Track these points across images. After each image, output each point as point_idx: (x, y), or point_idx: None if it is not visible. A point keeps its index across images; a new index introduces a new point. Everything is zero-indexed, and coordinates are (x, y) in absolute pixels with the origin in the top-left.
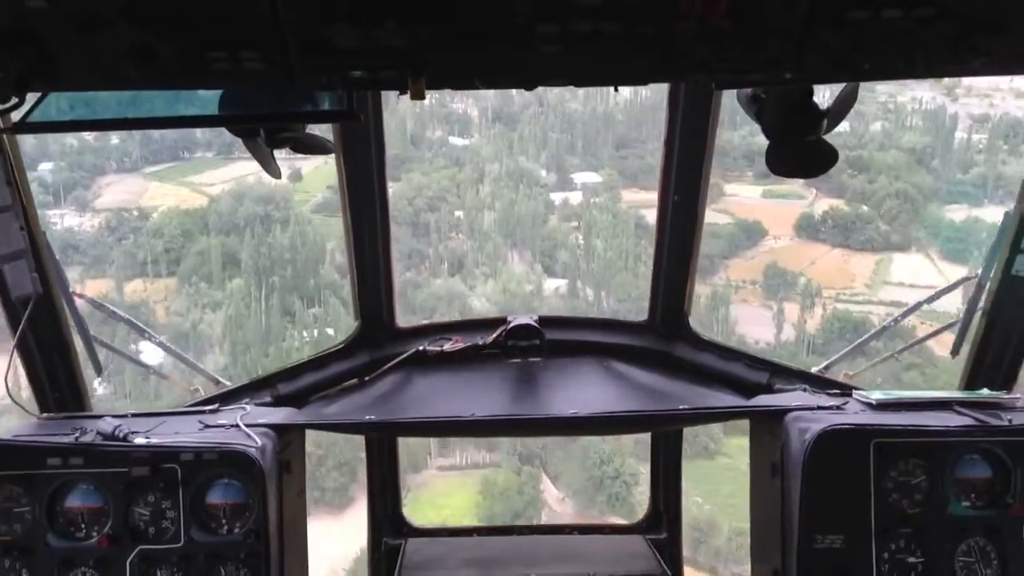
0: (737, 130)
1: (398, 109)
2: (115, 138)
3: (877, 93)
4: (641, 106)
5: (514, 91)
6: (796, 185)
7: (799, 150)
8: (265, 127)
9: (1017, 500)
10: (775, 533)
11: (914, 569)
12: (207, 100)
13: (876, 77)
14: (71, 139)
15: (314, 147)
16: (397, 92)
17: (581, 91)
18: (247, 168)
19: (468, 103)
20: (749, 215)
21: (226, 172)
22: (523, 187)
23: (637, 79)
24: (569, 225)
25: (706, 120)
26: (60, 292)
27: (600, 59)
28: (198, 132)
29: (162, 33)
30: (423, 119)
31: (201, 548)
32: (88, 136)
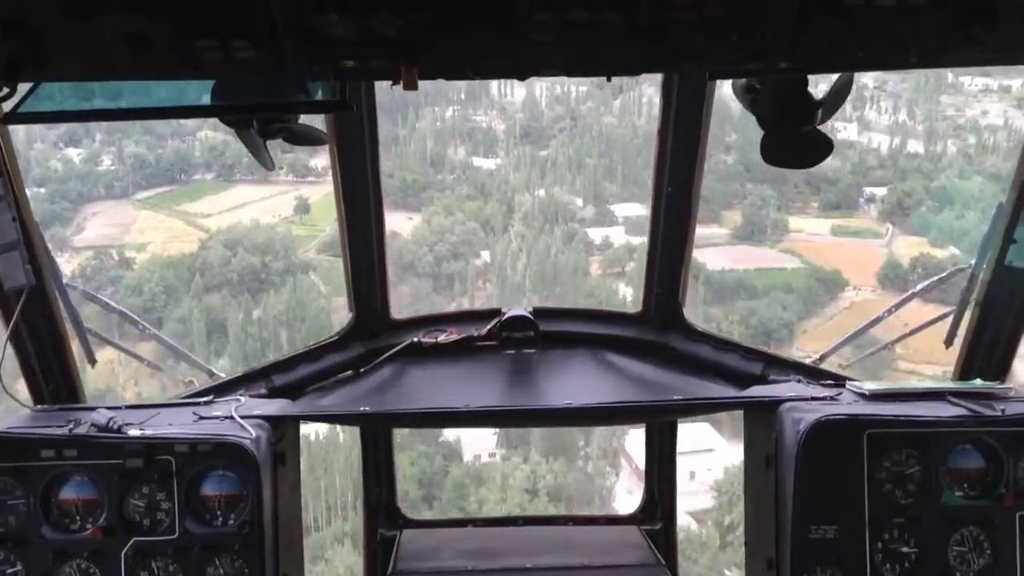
0: None
1: (418, 128)
2: (106, 159)
3: (943, 106)
4: None
5: (544, 105)
6: (868, 219)
7: (794, 140)
8: (258, 118)
9: (1010, 490)
10: (769, 523)
11: (907, 559)
12: (200, 90)
13: (870, 67)
14: (55, 163)
15: (307, 138)
16: (390, 82)
17: (616, 103)
18: (247, 194)
19: (492, 116)
20: (822, 259)
21: (225, 199)
22: (558, 227)
23: (630, 69)
24: (613, 272)
25: (700, 111)
26: (53, 283)
27: (593, 48)
28: (196, 152)
29: (153, 22)
30: (444, 136)
31: (196, 540)
32: (75, 158)
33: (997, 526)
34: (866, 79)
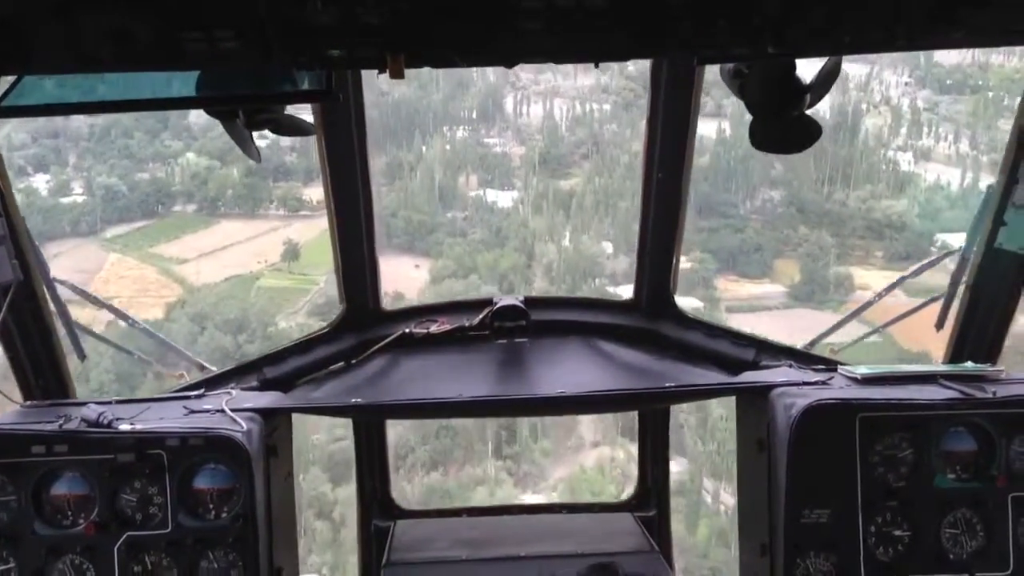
0: (854, 189)
1: (426, 156)
2: (76, 187)
3: (1003, 132)
4: (726, 146)
5: (563, 128)
6: (943, 274)
7: (783, 125)
8: (244, 108)
9: (1002, 472)
10: (762, 508)
11: (900, 542)
12: (186, 82)
13: (858, 50)
14: (18, 194)
15: (294, 129)
16: (377, 71)
17: (643, 124)
18: (231, 232)
19: (507, 139)
20: (904, 333)
21: (207, 238)
22: (587, 286)
23: (618, 55)
24: None
25: (689, 97)
26: (41, 278)
27: (581, 35)
28: (177, 179)
29: (137, 14)
30: (454, 163)
31: (189, 533)
32: (42, 189)
33: (989, 508)
34: (917, 101)
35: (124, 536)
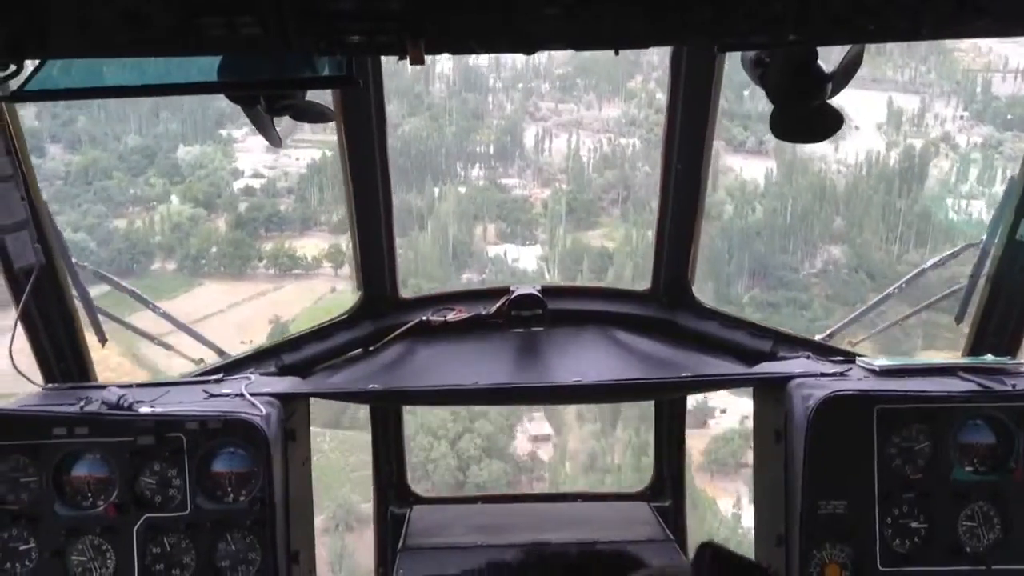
0: (929, 247)
1: (439, 204)
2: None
3: None
4: (780, 196)
5: (589, 167)
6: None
7: (804, 114)
8: (264, 94)
9: (1020, 465)
10: (779, 499)
11: (917, 534)
12: (206, 67)
13: (880, 38)
14: None
15: (314, 114)
16: (396, 57)
17: None
18: (214, 297)
19: (527, 179)
20: None
21: (186, 303)
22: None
23: (638, 42)
24: (722, 473)
25: (709, 85)
26: (63, 262)
27: (600, 22)
28: (157, 228)
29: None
30: (470, 210)
31: (207, 516)
32: None
33: (1007, 501)
34: (976, 138)
35: (143, 518)
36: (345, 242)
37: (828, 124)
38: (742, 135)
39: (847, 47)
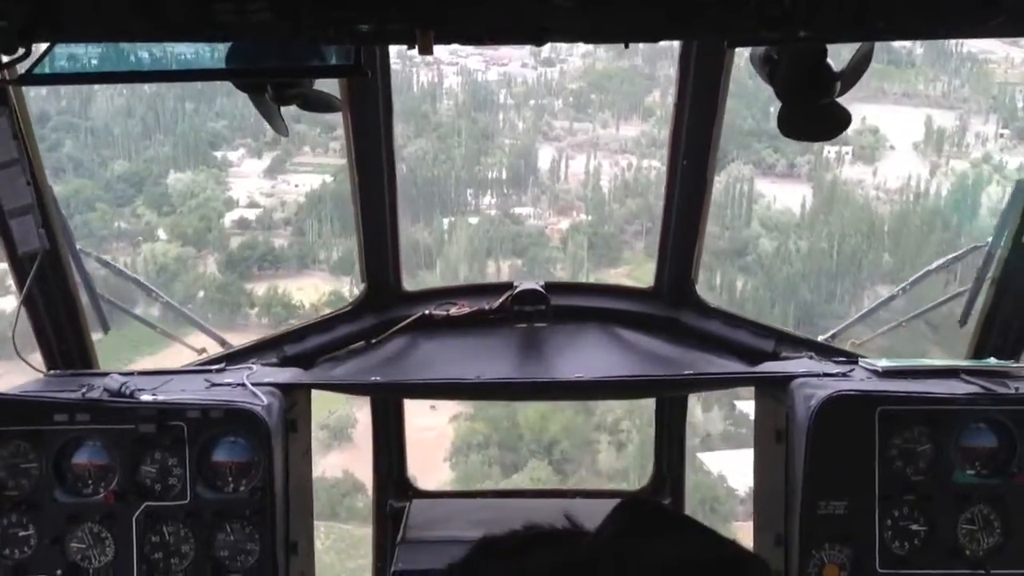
0: None
1: (448, 251)
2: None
3: None
4: (822, 233)
5: (609, 196)
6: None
7: (813, 112)
8: (272, 82)
9: (1021, 469)
10: (779, 499)
11: (917, 536)
12: (216, 54)
13: (892, 36)
14: None
15: (321, 104)
16: (406, 46)
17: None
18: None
19: (543, 209)
20: None
21: (164, 361)
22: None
23: (648, 36)
24: None
25: (717, 82)
26: (67, 248)
27: (611, 14)
28: (140, 269)
29: None
30: (482, 247)
31: (207, 505)
32: None
33: (1008, 504)
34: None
35: (143, 506)
36: (347, 285)
37: (836, 122)
38: (772, 157)
39: (857, 45)
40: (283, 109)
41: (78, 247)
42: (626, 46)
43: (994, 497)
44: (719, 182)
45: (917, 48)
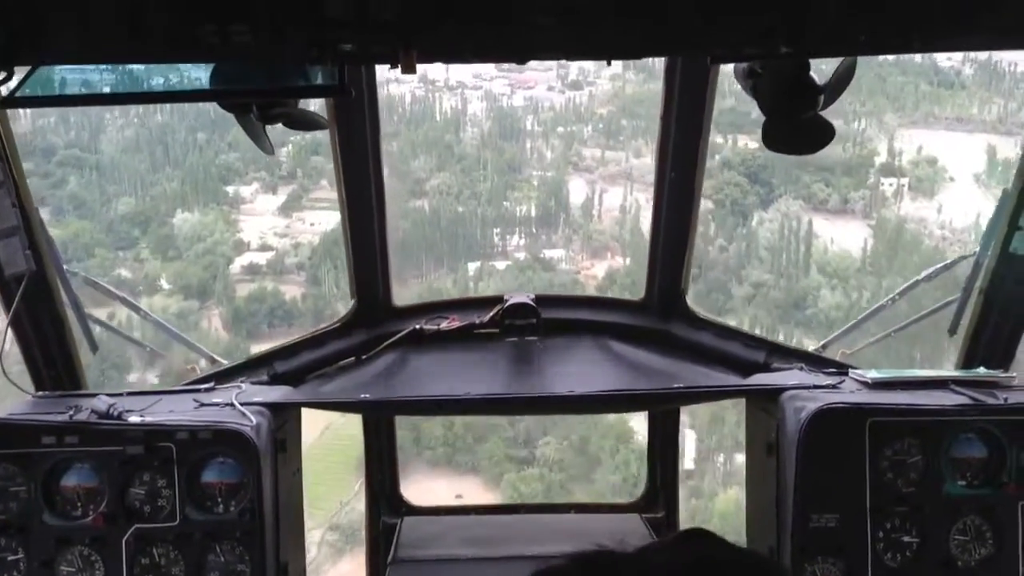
0: None
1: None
2: None
3: None
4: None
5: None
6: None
7: (796, 126)
8: (257, 102)
9: (1012, 479)
10: (770, 512)
11: (909, 548)
12: (200, 75)
13: (873, 51)
14: None
15: (307, 123)
16: (388, 65)
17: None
18: None
19: (576, 251)
20: None
21: None
22: None
23: (631, 53)
24: None
25: (703, 96)
26: (54, 269)
27: (594, 32)
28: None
29: (151, 6)
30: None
31: (197, 527)
32: None
33: (999, 515)
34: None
35: (132, 528)
36: None
37: (820, 136)
38: (823, 192)
39: (840, 59)
40: (303, 137)
41: (65, 268)
42: (608, 63)
43: (985, 508)
44: (770, 222)
45: (967, 69)
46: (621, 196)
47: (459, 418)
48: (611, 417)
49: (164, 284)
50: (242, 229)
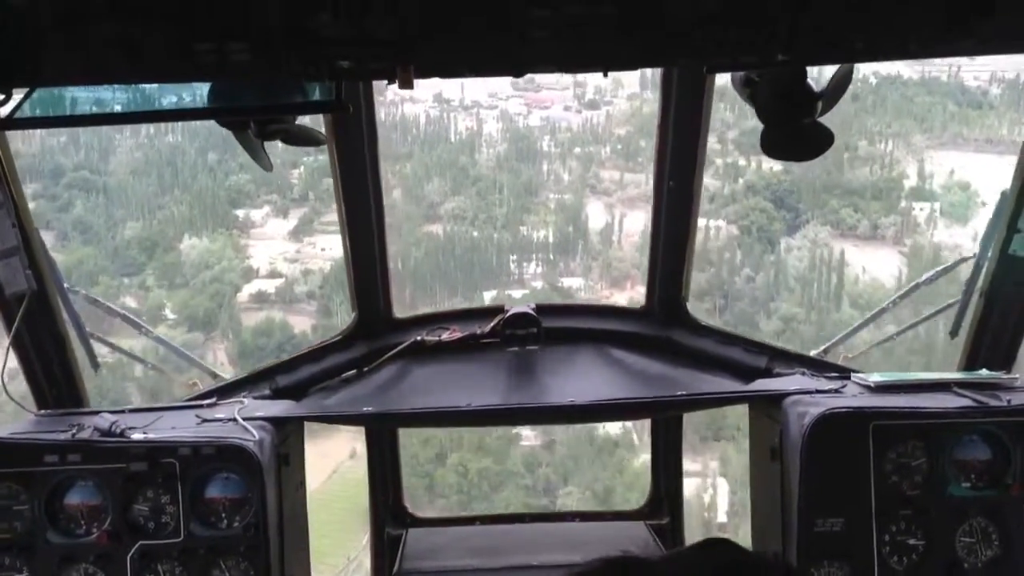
0: None
1: None
2: None
3: None
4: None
5: None
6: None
7: (794, 133)
8: (255, 119)
9: (1017, 480)
10: (775, 517)
11: (915, 551)
12: (197, 93)
13: (869, 58)
14: None
15: (305, 139)
16: (386, 81)
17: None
18: None
19: (594, 280)
20: None
21: None
22: None
23: (627, 64)
24: None
25: (700, 104)
26: (55, 288)
27: (590, 44)
28: (137, 366)
29: (147, 26)
30: None
31: (201, 542)
32: None
33: (1005, 516)
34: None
35: (137, 545)
36: None
37: (819, 142)
38: (852, 217)
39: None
40: (315, 159)
41: (66, 287)
42: (605, 74)
43: (991, 509)
44: (799, 249)
45: (994, 88)
46: (641, 221)
47: (474, 465)
48: (637, 465)
49: (169, 314)
50: (251, 255)
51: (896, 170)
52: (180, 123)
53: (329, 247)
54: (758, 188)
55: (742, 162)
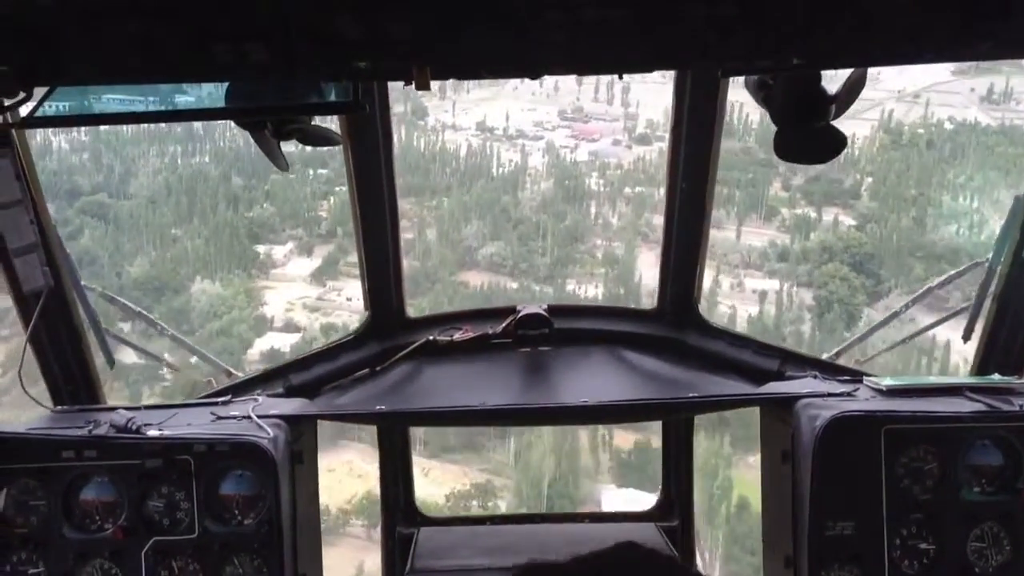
0: None
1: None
2: None
3: None
4: None
5: None
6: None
7: (808, 136)
8: (271, 119)
9: None
10: (786, 520)
11: (926, 555)
12: (215, 93)
13: (884, 62)
14: None
15: (321, 139)
16: (403, 82)
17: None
18: None
19: None
20: None
21: None
22: None
23: (642, 66)
24: None
25: (714, 107)
26: (71, 285)
27: (605, 46)
28: None
29: (166, 25)
30: None
31: (215, 539)
32: None
33: (1017, 521)
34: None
35: (151, 541)
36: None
37: (832, 145)
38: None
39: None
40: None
41: (82, 284)
42: (620, 77)
43: (1002, 514)
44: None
45: None
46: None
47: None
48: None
49: (166, 373)
50: (267, 300)
51: (986, 231)
52: (207, 144)
53: (355, 296)
54: (836, 251)
55: (812, 214)
